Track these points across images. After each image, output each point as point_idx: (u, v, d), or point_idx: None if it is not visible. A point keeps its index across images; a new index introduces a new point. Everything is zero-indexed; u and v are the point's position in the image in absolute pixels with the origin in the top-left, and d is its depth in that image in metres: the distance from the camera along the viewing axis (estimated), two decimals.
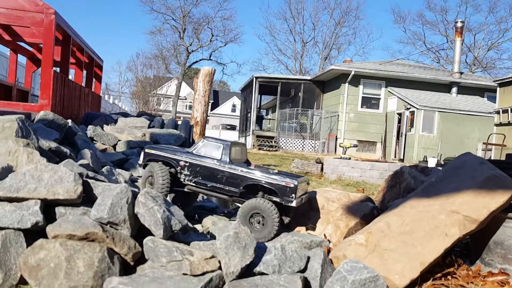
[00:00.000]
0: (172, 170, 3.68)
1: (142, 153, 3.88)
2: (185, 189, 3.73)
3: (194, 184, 3.62)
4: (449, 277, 2.72)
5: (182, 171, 3.64)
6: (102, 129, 6.64)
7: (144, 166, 3.84)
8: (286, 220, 3.53)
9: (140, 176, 4.48)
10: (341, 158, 10.56)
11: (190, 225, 3.03)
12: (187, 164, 3.62)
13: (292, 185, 3.26)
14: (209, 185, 3.56)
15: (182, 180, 3.66)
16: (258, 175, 3.39)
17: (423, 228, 2.70)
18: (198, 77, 12.37)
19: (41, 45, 7.20)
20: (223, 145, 3.57)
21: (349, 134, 19.51)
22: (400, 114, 18.23)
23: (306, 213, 3.72)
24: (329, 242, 3.29)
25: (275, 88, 22.67)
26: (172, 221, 2.65)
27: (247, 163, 3.79)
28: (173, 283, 2.25)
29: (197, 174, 3.59)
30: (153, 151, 3.79)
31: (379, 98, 19.68)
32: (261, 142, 20.61)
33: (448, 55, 37.67)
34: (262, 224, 3.27)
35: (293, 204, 3.26)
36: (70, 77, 8.25)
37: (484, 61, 38.21)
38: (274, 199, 3.34)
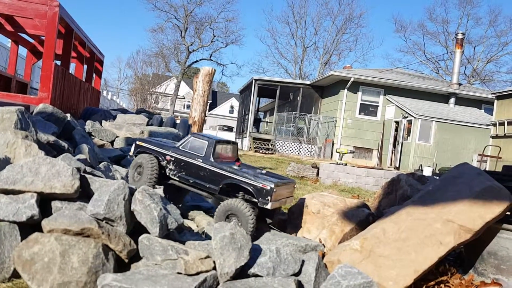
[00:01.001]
0: (161, 163, 3.77)
1: (134, 145, 3.99)
2: (169, 182, 3.82)
3: (178, 179, 3.71)
4: (442, 285, 2.73)
5: (168, 165, 3.73)
6: (101, 124, 6.63)
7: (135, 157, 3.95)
8: (269, 220, 3.58)
9: None
10: (337, 163, 10.58)
11: (186, 224, 3.03)
12: (173, 159, 3.70)
13: (269, 188, 3.26)
14: (191, 181, 3.63)
15: (167, 173, 3.75)
16: (236, 176, 3.41)
17: (418, 235, 2.71)
18: (198, 77, 12.37)
19: (43, 38, 7.17)
20: (208, 142, 3.62)
21: (345, 140, 19.56)
22: (397, 122, 18.31)
23: (301, 217, 3.72)
24: (324, 246, 3.29)
25: (274, 91, 22.69)
26: (169, 219, 2.65)
27: (236, 161, 3.83)
28: (167, 282, 2.24)
29: (181, 169, 3.67)
30: (143, 144, 3.91)
31: (377, 106, 19.76)
32: (258, 144, 20.61)
33: (447, 66, 37.92)
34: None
35: (268, 206, 3.27)
36: (70, 71, 8.22)
37: (483, 74, 38.49)
38: (253, 199, 3.36)
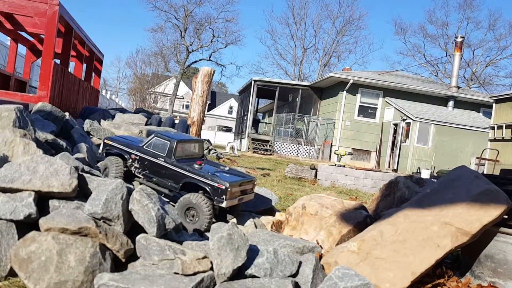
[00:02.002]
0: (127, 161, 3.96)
1: (102, 143, 4.15)
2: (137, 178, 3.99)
3: (142, 177, 3.87)
4: (439, 287, 2.73)
5: (133, 163, 3.88)
6: (99, 123, 6.62)
7: (106, 155, 4.11)
8: (230, 217, 3.78)
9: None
10: (335, 165, 10.59)
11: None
12: (138, 158, 3.85)
13: (223, 187, 3.43)
14: (154, 179, 3.80)
15: (133, 171, 3.91)
16: (195, 175, 3.59)
17: (415, 238, 2.72)
18: (197, 77, 12.37)
19: (43, 36, 7.17)
20: (170, 143, 3.77)
21: (344, 142, 19.58)
22: (396, 125, 18.34)
23: (299, 218, 3.72)
24: (322, 248, 3.29)
25: (273, 92, 22.71)
26: (166, 219, 2.64)
27: (198, 160, 3.97)
28: (164, 282, 2.24)
29: (145, 168, 3.83)
30: (110, 142, 4.06)
31: (376, 108, 19.79)
32: (256, 145, 20.62)
33: (446, 69, 38.02)
34: (196, 217, 3.46)
35: (223, 205, 3.43)
36: (70, 69, 8.21)
37: (482, 77, 38.61)
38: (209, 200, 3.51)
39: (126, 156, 3.90)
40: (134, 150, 3.89)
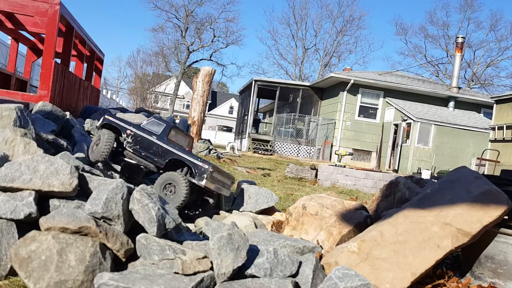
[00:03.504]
0: (121, 138, 4.23)
1: (102, 118, 4.38)
2: (124, 157, 4.28)
3: (132, 151, 4.13)
4: None
5: (127, 138, 4.16)
6: None
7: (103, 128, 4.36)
8: (211, 200, 4.15)
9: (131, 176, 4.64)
10: (335, 165, 10.59)
11: (183, 224, 3.04)
12: (132, 134, 4.15)
13: (206, 167, 3.79)
14: (143, 154, 4.08)
15: (124, 145, 4.18)
16: (181, 153, 3.94)
17: (415, 238, 2.72)
18: (198, 77, 12.38)
19: (44, 35, 7.17)
20: (166, 125, 4.14)
21: (344, 142, 19.57)
22: (396, 125, 18.33)
23: (299, 218, 3.72)
24: (322, 248, 3.29)
25: (273, 92, 22.71)
26: (166, 219, 2.64)
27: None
28: (164, 281, 2.24)
29: (137, 143, 4.12)
30: (110, 118, 4.33)
31: (377, 108, 19.78)
32: (257, 145, 20.62)
33: (447, 70, 38.03)
34: (174, 192, 3.74)
35: (202, 183, 3.76)
36: (70, 69, 8.21)
37: (482, 78, 38.60)
38: (190, 178, 3.83)
39: (122, 131, 4.19)
40: (131, 127, 4.20)
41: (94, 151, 4.09)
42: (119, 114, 7.48)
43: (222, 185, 4.05)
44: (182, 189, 3.69)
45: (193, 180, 3.80)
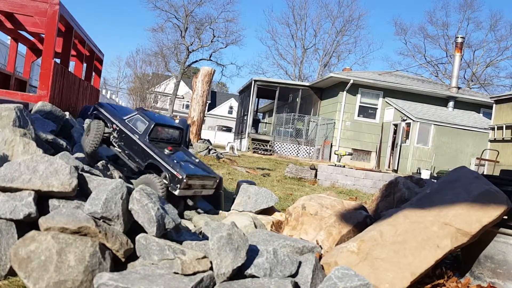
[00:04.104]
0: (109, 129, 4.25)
1: (92, 107, 4.43)
2: (111, 147, 4.32)
3: (117, 147, 4.14)
4: None
5: (113, 132, 4.16)
6: None
7: (94, 118, 4.38)
8: (190, 203, 4.07)
9: (134, 176, 4.64)
10: (335, 165, 10.59)
11: (183, 224, 3.04)
12: (117, 129, 4.12)
13: (180, 177, 3.69)
14: (126, 152, 4.07)
15: (110, 139, 4.18)
16: (159, 158, 3.87)
17: (415, 238, 2.72)
18: (198, 77, 12.38)
19: (43, 35, 7.17)
20: (148, 123, 4.05)
21: (344, 142, 19.58)
22: (396, 125, 18.34)
23: (299, 218, 3.72)
24: (321, 248, 3.29)
25: (273, 92, 22.71)
26: (166, 219, 2.64)
27: (178, 145, 4.30)
28: (164, 282, 2.24)
29: (121, 139, 4.09)
30: (99, 108, 4.34)
31: (376, 108, 19.79)
32: (256, 145, 20.62)
33: (446, 70, 38.05)
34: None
35: (176, 193, 3.71)
36: (70, 69, 8.20)
37: (482, 78, 38.64)
38: (167, 183, 3.79)
39: (108, 124, 4.17)
40: (117, 121, 4.16)
41: (84, 142, 4.10)
42: None
43: (201, 188, 3.97)
44: (159, 194, 3.62)
45: (169, 188, 3.75)
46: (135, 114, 4.15)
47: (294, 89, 22.97)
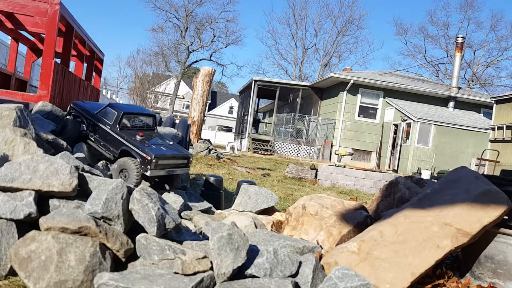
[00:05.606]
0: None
1: (69, 106, 4.73)
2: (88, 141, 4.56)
3: (93, 140, 4.37)
4: None
5: (88, 127, 4.40)
6: None
7: (73, 117, 4.68)
8: (167, 186, 4.34)
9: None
10: (335, 165, 10.59)
11: (183, 224, 3.04)
12: (91, 123, 4.36)
13: (149, 158, 3.95)
14: (101, 143, 4.33)
15: (87, 134, 4.42)
16: (129, 144, 4.12)
17: (415, 238, 2.72)
18: (198, 77, 12.39)
19: (43, 35, 7.16)
20: (117, 113, 4.30)
21: (344, 142, 19.57)
22: (396, 125, 18.33)
23: (299, 218, 3.72)
24: (322, 248, 3.29)
25: (273, 92, 22.71)
26: (166, 219, 2.64)
27: (151, 130, 4.57)
28: (164, 281, 2.24)
29: (96, 132, 4.35)
30: (75, 106, 4.62)
31: (377, 108, 19.78)
32: (257, 145, 20.62)
33: (447, 70, 38.04)
34: (128, 177, 3.99)
35: (147, 173, 3.95)
36: (70, 69, 8.20)
37: (483, 78, 38.62)
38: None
39: (83, 120, 4.41)
40: (89, 116, 4.40)
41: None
42: None
43: (174, 167, 4.20)
44: (133, 175, 3.94)
45: (141, 170, 4.00)
46: (105, 107, 4.42)
47: (295, 89, 22.96)
